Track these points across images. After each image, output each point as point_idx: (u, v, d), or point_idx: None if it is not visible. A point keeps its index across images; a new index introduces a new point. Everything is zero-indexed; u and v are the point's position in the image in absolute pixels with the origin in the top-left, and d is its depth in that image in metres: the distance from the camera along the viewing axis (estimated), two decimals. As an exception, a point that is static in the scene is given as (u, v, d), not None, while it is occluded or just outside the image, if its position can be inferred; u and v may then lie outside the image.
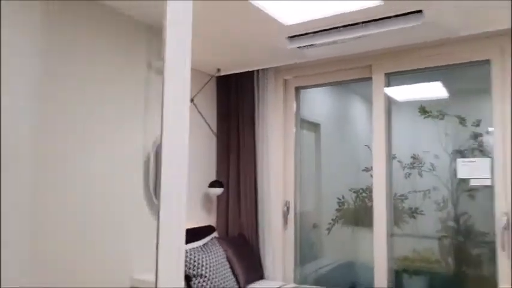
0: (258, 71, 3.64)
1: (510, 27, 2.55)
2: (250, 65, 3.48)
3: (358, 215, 3.59)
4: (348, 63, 3.37)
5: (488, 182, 2.89)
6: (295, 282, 3.50)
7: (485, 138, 3.09)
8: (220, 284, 2.96)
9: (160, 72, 3.01)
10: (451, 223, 3.26)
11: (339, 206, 3.66)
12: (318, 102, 4.05)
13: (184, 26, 1.23)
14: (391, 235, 3.27)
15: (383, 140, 3.26)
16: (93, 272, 2.34)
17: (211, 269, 2.91)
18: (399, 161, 3.42)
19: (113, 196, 2.48)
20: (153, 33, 2.88)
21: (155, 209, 2.73)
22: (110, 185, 2.44)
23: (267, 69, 3.61)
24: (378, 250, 3.22)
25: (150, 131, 2.80)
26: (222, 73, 3.65)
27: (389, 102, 3.35)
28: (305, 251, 3.71)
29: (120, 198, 2.52)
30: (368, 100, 3.69)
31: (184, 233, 1.31)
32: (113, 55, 2.50)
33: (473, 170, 2.95)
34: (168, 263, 1.18)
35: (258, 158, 3.60)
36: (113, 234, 2.46)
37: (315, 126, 3.95)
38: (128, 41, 2.63)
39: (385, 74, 3.27)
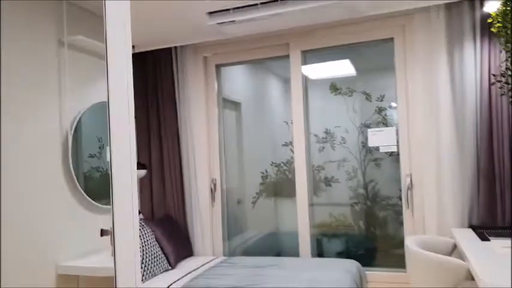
0: (176, 48, 3.57)
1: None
2: (168, 42, 3.39)
3: (280, 187, 3.76)
4: (267, 41, 3.47)
5: (394, 149, 3.23)
6: (224, 255, 3.58)
7: (389, 112, 3.43)
8: (152, 264, 2.92)
9: (73, 47, 2.80)
10: (361, 190, 3.58)
11: (263, 180, 3.80)
12: (238, 81, 4.11)
13: (122, 8, 1.19)
14: (311, 204, 3.50)
15: (301, 116, 3.44)
16: (16, 262, 2.15)
17: (141, 251, 2.85)
18: (315, 135, 3.64)
19: (31, 181, 2.29)
20: (62, 7, 2.66)
21: (76, 190, 2.57)
22: (26, 170, 2.25)
23: (185, 46, 3.56)
24: (301, 219, 3.42)
25: (66, 109, 2.61)
26: (137, 50, 3.51)
27: (306, 79, 3.53)
28: (232, 225, 3.81)
29: (38, 183, 2.33)
30: (283, 79, 3.84)
31: (138, 228, 1.28)
32: (18, 30, 2.28)
33: (381, 138, 3.27)
34: (125, 257, 1.15)
35: (182, 138, 3.57)
36: (34, 220, 2.27)
37: (235, 105, 4.02)
38: (33, 16, 2.41)
39: (302, 51, 3.43)
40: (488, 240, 2.44)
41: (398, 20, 3.12)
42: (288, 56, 3.47)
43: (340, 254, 3.55)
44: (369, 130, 3.34)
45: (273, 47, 3.50)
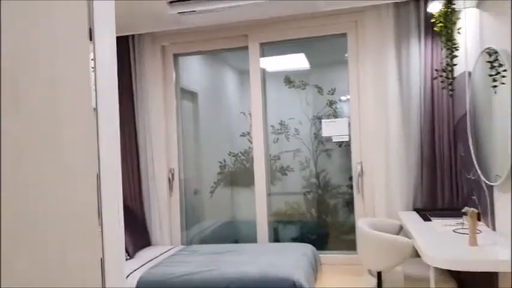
0: (133, 36, 3.52)
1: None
2: (126, 29, 3.34)
3: (237, 176, 3.84)
4: (226, 32, 3.51)
5: (346, 138, 3.41)
6: (182, 244, 3.60)
7: (339, 105, 3.61)
8: (110, 253, 2.88)
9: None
10: (313, 180, 3.75)
11: (221, 169, 3.85)
12: (195, 72, 4.12)
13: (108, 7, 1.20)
14: (269, 194, 3.61)
15: (260, 108, 3.53)
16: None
17: (99, 239, 2.81)
18: (271, 126, 3.75)
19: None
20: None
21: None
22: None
23: (143, 34, 3.52)
24: (259, 208, 3.52)
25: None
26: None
27: (264, 72, 3.62)
28: (190, 214, 3.83)
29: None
30: (238, 70, 3.90)
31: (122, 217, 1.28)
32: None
33: (334, 128, 3.44)
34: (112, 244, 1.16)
35: (139, 127, 3.53)
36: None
37: (192, 95, 4.03)
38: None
39: (260, 44, 3.51)
40: (430, 220, 2.68)
41: (352, 16, 3.29)
42: (246, 48, 3.53)
43: (295, 240, 3.69)
44: (323, 121, 3.50)
45: (232, 38, 3.55)
